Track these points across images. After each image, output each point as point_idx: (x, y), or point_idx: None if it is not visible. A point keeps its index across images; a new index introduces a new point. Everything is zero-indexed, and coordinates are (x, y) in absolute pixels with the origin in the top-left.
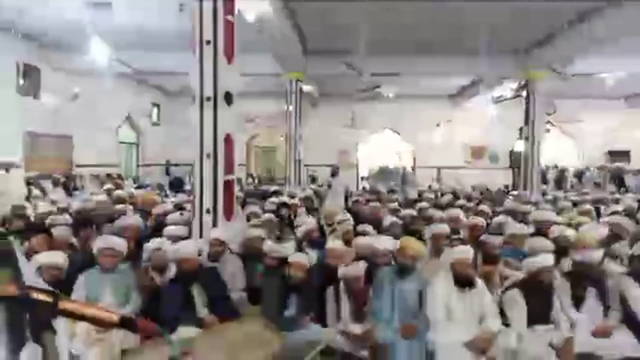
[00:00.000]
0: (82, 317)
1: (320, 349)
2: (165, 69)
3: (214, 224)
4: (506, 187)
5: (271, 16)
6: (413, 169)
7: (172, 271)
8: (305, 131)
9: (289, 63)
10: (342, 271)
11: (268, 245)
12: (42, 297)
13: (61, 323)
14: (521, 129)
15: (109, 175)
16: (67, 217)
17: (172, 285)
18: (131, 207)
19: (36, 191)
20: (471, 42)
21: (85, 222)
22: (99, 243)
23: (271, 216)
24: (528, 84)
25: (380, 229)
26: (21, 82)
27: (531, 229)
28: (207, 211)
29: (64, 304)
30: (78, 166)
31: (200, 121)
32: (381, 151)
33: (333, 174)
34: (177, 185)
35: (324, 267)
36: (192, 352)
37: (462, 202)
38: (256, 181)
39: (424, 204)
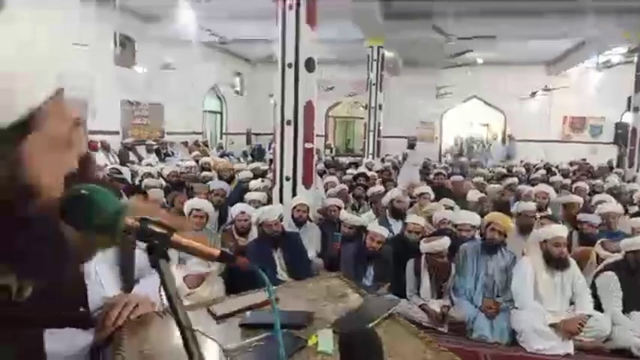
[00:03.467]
0: (190, 249)
1: (394, 310)
2: (249, 37)
3: (294, 191)
4: (610, 163)
5: None
6: (504, 141)
7: (254, 234)
8: (386, 101)
9: (371, 28)
10: (425, 245)
11: (343, 214)
12: (158, 228)
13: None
14: (629, 99)
15: (196, 143)
16: (161, 180)
17: (256, 247)
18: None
19: (133, 157)
20: (574, 0)
21: (176, 185)
22: (189, 204)
23: (345, 186)
24: None
25: (464, 203)
26: (118, 52)
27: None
28: (287, 179)
29: (176, 237)
30: (168, 133)
31: (281, 88)
32: (468, 121)
33: (411, 146)
34: (258, 154)
35: (404, 239)
36: (279, 299)
37: (557, 178)
38: (334, 152)
39: (514, 179)
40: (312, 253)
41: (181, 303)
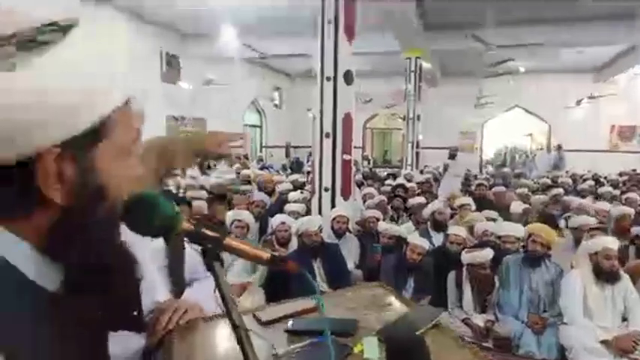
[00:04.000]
0: (241, 252)
1: (439, 319)
2: (288, 52)
3: (332, 202)
4: None
5: None
6: (549, 150)
7: (294, 245)
8: (424, 112)
9: (409, 40)
10: (466, 256)
11: (382, 225)
12: (211, 232)
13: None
14: None
15: (237, 156)
16: (204, 192)
17: (296, 257)
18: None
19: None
20: (622, 5)
21: (218, 197)
22: (230, 215)
23: (384, 198)
24: None
25: (506, 215)
26: (164, 69)
27: None
28: (326, 190)
29: (228, 241)
30: None
31: (320, 101)
32: (510, 131)
33: (452, 156)
34: (296, 167)
35: (445, 251)
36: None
37: (606, 188)
38: (372, 163)
39: (559, 190)
40: (350, 265)
41: (235, 305)
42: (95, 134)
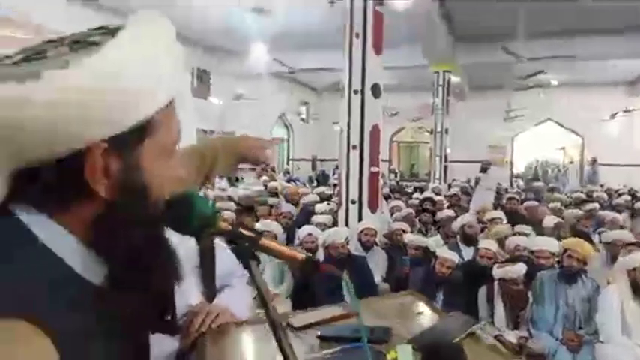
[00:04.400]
0: (276, 252)
1: (474, 329)
2: (315, 66)
3: (359, 215)
4: None
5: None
6: (582, 165)
7: (320, 256)
8: (452, 125)
9: (437, 54)
10: (498, 271)
11: (408, 236)
12: (247, 232)
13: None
14: None
15: (264, 169)
16: (232, 204)
17: None
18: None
19: None
20: None
21: (246, 209)
22: (259, 226)
23: (412, 211)
24: None
25: (539, 229)
26: (195, 85)
27: None
28: (353, 202)
29: (263, 241)
30: None
31: (348, 113)
32: (542, 145)
33: (483, 170)
34: (323, 179)
35: (475, 265)
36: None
37: None
38: (398, 177)
39: (594, 205)
40: (377, 278)
41: (273, 304)
42: (140, 132)
